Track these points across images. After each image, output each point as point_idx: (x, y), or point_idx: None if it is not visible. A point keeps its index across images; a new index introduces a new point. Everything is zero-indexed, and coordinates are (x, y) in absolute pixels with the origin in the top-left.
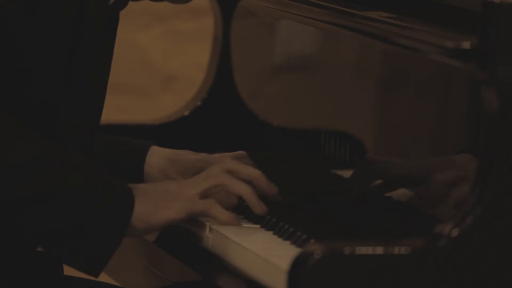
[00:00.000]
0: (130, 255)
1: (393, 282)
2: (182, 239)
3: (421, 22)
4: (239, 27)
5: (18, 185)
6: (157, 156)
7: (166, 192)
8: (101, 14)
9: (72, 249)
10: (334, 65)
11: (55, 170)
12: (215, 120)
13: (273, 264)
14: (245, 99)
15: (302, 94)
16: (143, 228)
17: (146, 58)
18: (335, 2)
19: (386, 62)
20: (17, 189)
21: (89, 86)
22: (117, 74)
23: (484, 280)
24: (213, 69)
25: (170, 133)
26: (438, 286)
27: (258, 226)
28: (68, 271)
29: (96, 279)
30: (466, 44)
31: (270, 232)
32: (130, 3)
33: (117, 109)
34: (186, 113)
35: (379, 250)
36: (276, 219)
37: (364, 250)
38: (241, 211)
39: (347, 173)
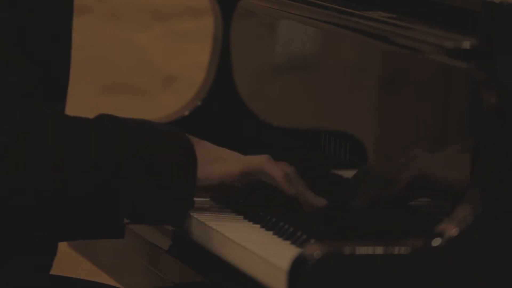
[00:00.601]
0: (130, 255)
1: (393, 282)
2: (182, 239)
3: (421, 22)
4: (239, 27)
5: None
6: None
7: (222, 150)
8: None
9: (157, 203)
10: (334, 65)
11: (133, 143)
12: (215, 120)
13: (273, 264)
14: (245, 99)
15: (302, 94)
16: (202, 177)
17: (146, 58)
18: (335, 2)
19: (386, 62)
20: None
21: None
22: (117, 74)
23: (484, 280)
24: (213, 69)
25: None
26: (438, 286)
27: (258, 226)
28: (68, 271)
29: (95, 280)
30: (466, 44)
31: (270, 232)
32: (131, 3)
33: (117, 109)
34: (186, 113)
35: (379, 250)
36: (276, 219)
37: (364, 250)
38: (241, 211)
39: (347, 173)
